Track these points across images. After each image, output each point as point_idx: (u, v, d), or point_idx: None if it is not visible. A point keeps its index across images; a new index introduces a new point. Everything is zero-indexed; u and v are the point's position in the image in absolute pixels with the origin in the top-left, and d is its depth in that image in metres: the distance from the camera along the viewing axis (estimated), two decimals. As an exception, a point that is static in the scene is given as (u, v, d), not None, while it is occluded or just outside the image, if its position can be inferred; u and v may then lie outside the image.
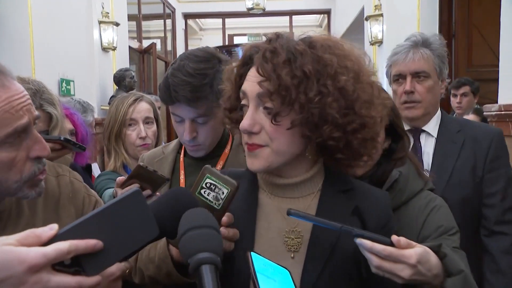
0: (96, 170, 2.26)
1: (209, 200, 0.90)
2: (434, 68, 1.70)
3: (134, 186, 1.22)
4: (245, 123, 0.92)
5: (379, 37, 5.86)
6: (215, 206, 0.89)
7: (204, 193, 0.90)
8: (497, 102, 2.54)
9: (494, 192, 1.62)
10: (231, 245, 0.93)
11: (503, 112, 2.41)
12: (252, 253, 0.77)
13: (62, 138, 1.18)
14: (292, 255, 0.94)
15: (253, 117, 0.92)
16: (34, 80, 1.32)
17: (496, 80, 2.59)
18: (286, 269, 0.82)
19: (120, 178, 1.21)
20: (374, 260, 0.84)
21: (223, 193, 0.89)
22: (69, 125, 1.92)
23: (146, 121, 1.90)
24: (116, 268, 0.85)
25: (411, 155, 1.33)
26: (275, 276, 0.78)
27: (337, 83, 0.87)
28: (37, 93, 1.28)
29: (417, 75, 1.69)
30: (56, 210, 1.04)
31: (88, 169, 2.27)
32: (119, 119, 1.86)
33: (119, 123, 1.86)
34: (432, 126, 1.74)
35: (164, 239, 1.07)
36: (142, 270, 1.11)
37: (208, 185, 0.90)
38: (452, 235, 1.16)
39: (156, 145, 1.94)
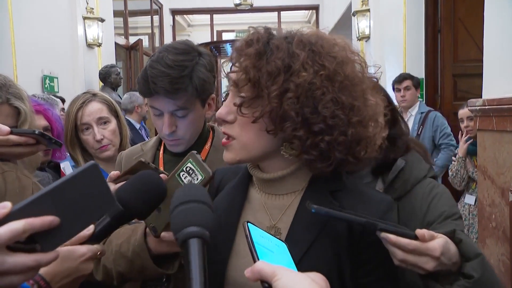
0: (68, 169, 2.19)
1: (184, 184, 0.93)
2: None
3: None
4: (221, 110, 0.93)
5: (366, 32, 5.87)
6: None
7: (182, 176, 0.94)
8: (481, 97, 2.54)
9: None
10: None
11: (487, 107, 2.42)
12: (248, 223, 0.75)
13: (36, 132, 1.12)
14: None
15: (229, 105, 0.93)
16: (0, 74, 1.26)
17: (480, 75, 2.60)
18: (284, 242, 0.80)
19: (114, 173, 1.18)
20: (398, 254, 0.84)
21: (197, 179, 0.93)
22: (43, 122, 1.87)
23: (101, 121, 1.81)
24: (87, 249, 0.86)
25: (415, 140, 1.32)
26: (273, 248, 0.75)
27: (296, 78, 0.84)
28: (3, 87, 1.22)
29: None
30: None
31: (56, 168, 2.21)
32: (71, 126, 1.79)
33: (71, 130, 1.79)
34: None
35: (140, 233, 1.08)
36: (107, 267, 1.10)
37: (187, 169, 0.94)
38: (455, 220, 1.17)
39: (122, 141, 1.89)
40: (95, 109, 1.81)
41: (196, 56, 1.28)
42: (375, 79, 0.99)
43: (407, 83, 4.09)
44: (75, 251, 0.85)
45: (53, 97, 2.69)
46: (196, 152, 0.98)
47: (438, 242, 0.86)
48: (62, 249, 0.80)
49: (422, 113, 4.09)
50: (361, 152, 0.91)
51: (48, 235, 0.67)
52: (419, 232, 0.85)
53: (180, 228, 0.67)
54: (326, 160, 0.88)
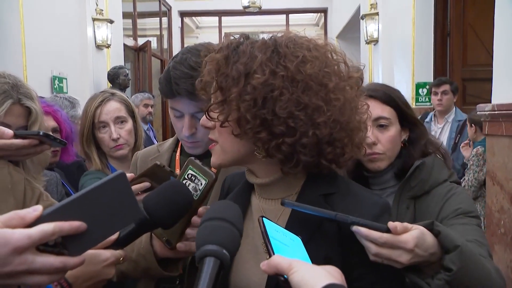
0: None
1: (193, 193, 0.94)
2: None
3: (144, 185, 1.21)
4: (203, 118, 0.96)
5: (375, 36, 5.85)
6: (194, 197, 0.94)
7: (185, 184, 0.95)
8: (490, 102, 2.52)
9: None
10: None
11: (496, 112, 2.39)
12: (263, 218, 0.76)
13: (40, 133, 1.13)
14: (267, 256, 0.92)
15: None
16: (10, 74, 1.27)
17: (490, 80, 2.57)
18: (298, 236, 0.81)
19: (129, 175, 1.19)
20: (371, 248, 0.83)
21: (201, 184, 0.95)
22: (52, 122, 1.89)
23: (118, 120, 1.83)
24: (110, 254, 0.89)
25: (435, 143, 1.36)
26: (288, 242, 0.76)
27: (251, 80, 0.85)
28: (15, 87, 1.23)
29: None
30: None
31: (78, 166, 2.23)
32: (88, 123, 1.80)
33: (88, 127, 1.81)
34: None
35: (146, 235, 1.08)
36: None
37: (189, 176, 0.96)
38: (470, 217, 1.17)
39: (136, 141, 1.91)
40: (113, 108, 1.83)
41: None
42: (360, 79, 0.96)
43: (445, 87, 4.07)
44: (99, 255, 0.87)
45: (74, 97, 2.74)
46: (194, 158, 0.99)
47: (412, 234, 0.85)
48: (86, 253, 0.83)
49: (459, 121, 4.06)
50: (336, 154, 0.89)
51: (75, 240, 0.70)
52: (391, 224, 0.84)
53: (202, 243, 0.67)
54: (290, 162, 0.88)
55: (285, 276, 0.64)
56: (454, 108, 4.14)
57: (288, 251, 0.73)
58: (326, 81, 0.87)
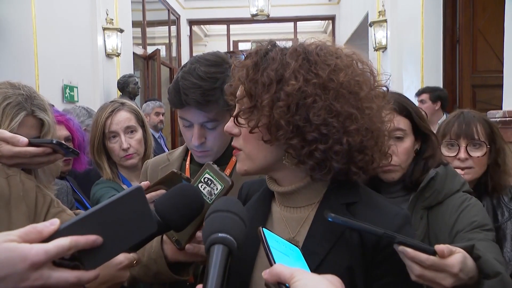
0: None
1: (204, 194, 0.96)
2: None
3: (161, 192, 1.20)
4: (228, 124, 0.96)
5: (383, 43, 5.85)
6: (208, 201, 0.95)
7: (201, 187, 0.97)
8: (501, 108, 2.50)
9: None
10: None
11: (507, 118, 2.38)
12: (263, 229, 0.76)
13: (54, 142, 1.14)
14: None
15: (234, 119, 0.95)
16: (25, 85, 1.28)
17: (500, 86, 2.56)
18: (297, 247, 0.82)
19: (145, 183, 1.20)
20: (415, 269, 0.83)
21: (217, 189, 0.96)
22: (64, 131, 1.91)
23: (128, 130, 1.85)
24: (124, 257, 0.90)
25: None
26: (288, 252, 0.77)
27: (286, 87, 0.85)
28: (28, 98, 1.24)
29: None
30: (7, 208, 1.08)
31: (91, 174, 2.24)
32: (98, 133, 1.82)
33: (98, 137, 1.83)
34: None
35: (157, 240, 1.09)
36: None
37: (205, 179, 0.97)
38: (486, 230, 1.18)
39: (146, 150, 1.92)
40: (124, 118, 1.84)
41: (228, 68, 1.27)
42: (385, 88, 0.97)
43: (423, 96, 4.17)
44: (113, 259, 0.86)
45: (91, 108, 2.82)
46: (212, 162, 1.00)
47: (457, 258, 0.85)
48: None
49: None
50: (366, 161, 0.90)
51: (91, 254, 0.70)
52: (439, 248, 0.83)
53: (209, 233, 0.68)
54: (323, 169, 0.88)
55: (287, 285, 0.65)
56: (444, 114, 4.21)
57: (289, 261, 0.73)
58: (357, 90, 0.88)
